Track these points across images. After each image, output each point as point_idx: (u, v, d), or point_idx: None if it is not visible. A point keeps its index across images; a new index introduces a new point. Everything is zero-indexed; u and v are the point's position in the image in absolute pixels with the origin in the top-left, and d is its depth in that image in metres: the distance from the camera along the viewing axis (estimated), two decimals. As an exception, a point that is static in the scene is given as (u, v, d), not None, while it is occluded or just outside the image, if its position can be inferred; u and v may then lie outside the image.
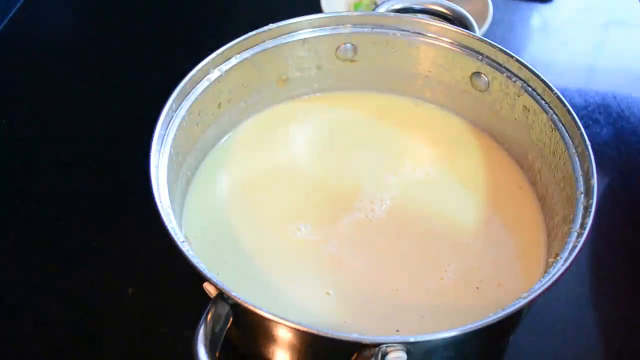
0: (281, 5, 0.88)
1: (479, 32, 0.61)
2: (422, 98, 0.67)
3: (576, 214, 0.48)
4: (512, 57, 0.57)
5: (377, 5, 0.66)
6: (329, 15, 0.62)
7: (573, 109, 0.53)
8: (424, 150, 0.64)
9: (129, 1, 0.93)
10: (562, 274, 0.43)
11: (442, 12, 0.62)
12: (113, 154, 0.71)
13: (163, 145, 0.51)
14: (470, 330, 0.40)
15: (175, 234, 0.44)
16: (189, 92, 0.55)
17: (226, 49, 0.57)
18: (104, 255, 0.61)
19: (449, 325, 0.40)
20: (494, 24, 0.83)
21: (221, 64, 0.58)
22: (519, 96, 0.58)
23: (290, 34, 0.61)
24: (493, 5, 0.82)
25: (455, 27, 0.61)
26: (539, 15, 0.93)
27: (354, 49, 0.64)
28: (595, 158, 0.50)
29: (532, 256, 0.54)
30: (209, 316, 0.41)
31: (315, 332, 0.39)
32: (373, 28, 0.62)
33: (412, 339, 0.39)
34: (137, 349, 0.55)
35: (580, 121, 0.52)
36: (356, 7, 0.87)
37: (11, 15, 0.88)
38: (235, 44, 0.58)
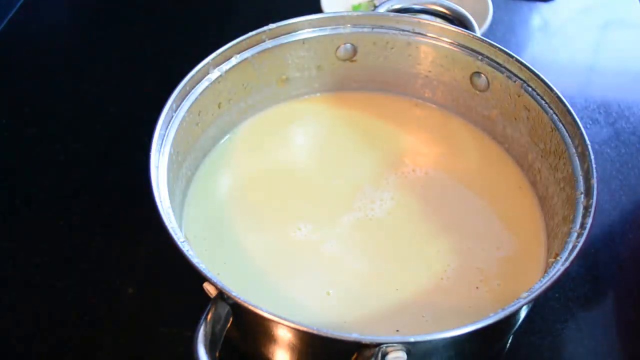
0: (281, 5, 0.88)
1: (479, 32, 0.61)
2: (422, 98, 0.67)
3: (576, 214, 0.48)
4: (512, 57, 0.57)
5: (375, 7, 0.66)
6: (329, 15, 0.62)
7: (573, 109, 0.53)
8: (423, 150, 0.64)
9: (129, 1, 0.93)
10: (562, 274, 0.43)
11: (442, 12, 0.62)
12: (113, 154, 0.71)
13: (163, 145, 0.51)
14: (470, 330, 0.40)
15: (175, 234, 0.44)
16: (189, 92, 0.55)
17: (226, 49, 0.57)
18: (104, 255, 0.61)
19: (449, 325, 0.40)
20: (494, 24, 0.83)
21: (221, 64, 0.58)
22: (519, 96, 0.58)
23: (290, 34, 0.61)
24: (493, 5, 0.82)
25: (455, 27, 0.61)
26: (539, 15, 0.93)
27: (354, 49, 0.64)
28: (595, 158, 0.50)
29: (532, 256, 0.54)
30: (209, 316, 0.41)
31: (315, 332, 0.39)
32: (373, 28, 0.62)
33: (412, 339, 0.39)
34: (137, 349, 0.55)
35: (580, 121, 0.52)
36: (355, 9, 0.87)
37: (11, 15, 0.88)
38: (235, 44, 0.58)
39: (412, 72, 0.65)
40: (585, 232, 0.45)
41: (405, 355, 0.39)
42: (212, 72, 0.57)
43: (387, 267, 0.53)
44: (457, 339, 0.41)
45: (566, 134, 0.53)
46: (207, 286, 0.42)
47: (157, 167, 0.49)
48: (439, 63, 0.63)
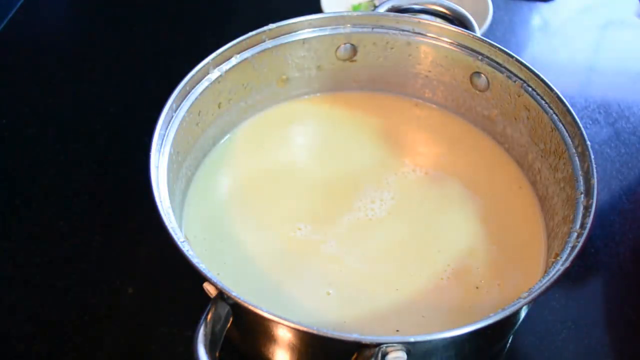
0: (281, 5, 0.88)
1: (479, 32, 0.61)
2: (422, 98, 0.67)
3: (576, 214, 0.48)
4: (512, 57, 0.57)
5: (375, 7, 0.66)
6: (329, 15, 0.62)
7: (573, 109, 0.53)
8: (424, 150, 0.64)
9: (129, 1, 0.93)
10: (562, 274, 0.43)
11: (442, 12, 0.62)
12: (113, 154, 0.71)
13: (163, 145, 0.51)
14: (470, 330, 0.40)
15: (175, 234, 0.44)
16: (189, 92, 0.55)
17: (226, 49, 0.57)
18: (104, 255, 0.61)
19: (449, 325, 0.40)
20: (494, 24, 0.84)
21: (221, 64, 0.58)
22: (519, 96, 0.58)
23: (290, 34, 0.61)
24: (493, 5, 0.82)
25: (455, 27, 0.61)
26: (539, 15, 0.93)
27: (354, 49, 0.64)
28: (595, 158, 0.50)
29: (532, 256, 0.54)
30: (209, 316, 0.41)
31: (315, 332, 0.39)
32: (373, 28, 0.62)
33: (412, 339, 0.39)
34: (137, 349, 0.55)
35: (580, 121, 0.52)
36: (355, 9, 0.87)
37: (11, 15, 0.88)
38: (235, 44, 0.58)
39: (412, 72, 0.65)
40: (585, 232, 0.45)
41: (405, 355, 0.39)
42: (212, 72, 0.57)
43: (387, 267, 0.53)
44: (457, 339, 0.41)
45: (566, 134, 0.53)
46: (207, 286, 0.42)
47: (157, 167, 0.49)
48: (439, 63, 0.63)
